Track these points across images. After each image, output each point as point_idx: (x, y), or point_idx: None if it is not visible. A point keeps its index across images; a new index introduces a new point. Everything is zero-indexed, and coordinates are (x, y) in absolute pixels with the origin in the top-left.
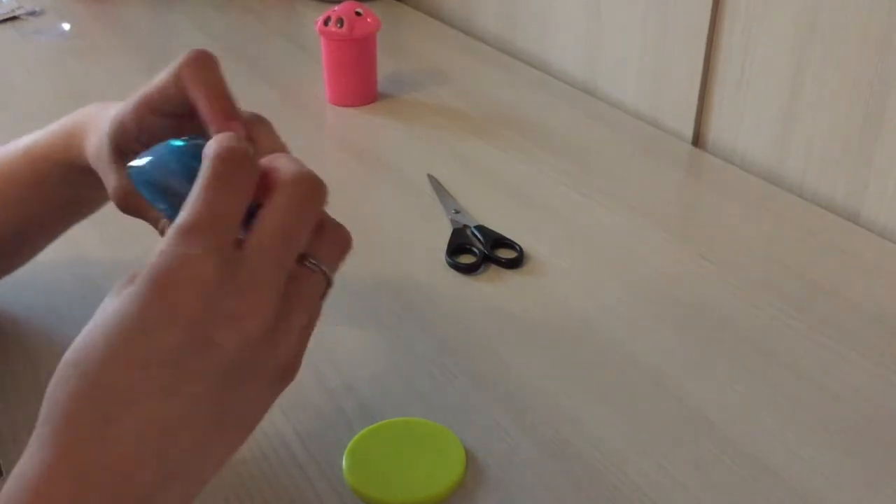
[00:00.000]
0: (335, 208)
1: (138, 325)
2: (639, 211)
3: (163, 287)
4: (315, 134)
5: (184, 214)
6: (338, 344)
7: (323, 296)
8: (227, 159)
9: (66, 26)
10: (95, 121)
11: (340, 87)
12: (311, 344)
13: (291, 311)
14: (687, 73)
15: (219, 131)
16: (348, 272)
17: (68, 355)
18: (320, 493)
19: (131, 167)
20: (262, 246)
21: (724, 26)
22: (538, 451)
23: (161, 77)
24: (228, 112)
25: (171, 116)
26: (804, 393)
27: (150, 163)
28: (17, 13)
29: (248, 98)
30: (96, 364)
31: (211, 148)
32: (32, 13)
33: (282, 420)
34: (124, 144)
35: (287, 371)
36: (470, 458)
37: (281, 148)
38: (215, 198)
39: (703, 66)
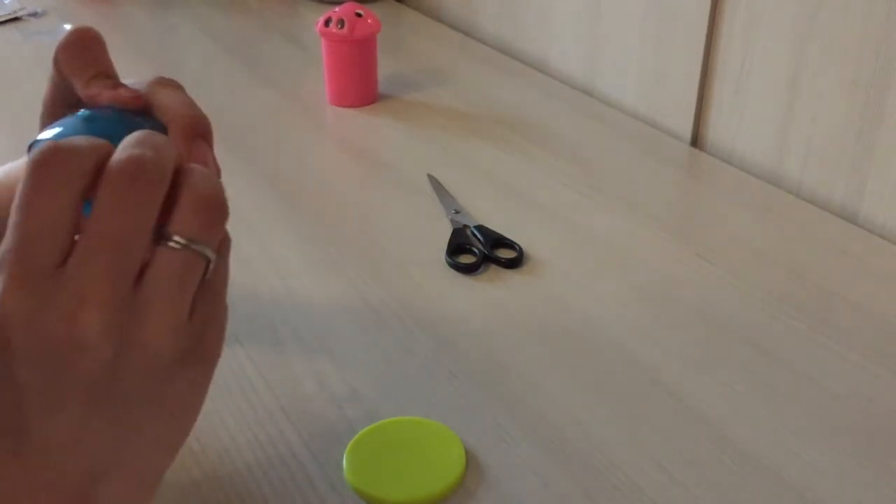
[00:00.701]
0: (337, 209)
1: None
2: (638, 211)
3: None
4: (315, 134)
5: None
6: (338, 344)
7: (204, 272)
8: (34, 164)
9: (68, 27)
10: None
11: (341, 88)
12: (312, 343)
13: (152, 304)
14: (686, 73)
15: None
16: (348, 272)
17: None
18: (321, 493)
19: (34, 142)
20: (81, 257)
21: (723, 27)
22: (538, 451)
23: (51, 70)
24: (106, 85)
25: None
26: (804, 393)
27: (56, 135)
28: (18, 14)
29: (248, 98)
30: None
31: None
32: (34, 14)
33: (282, 419)
34: None
35: (197, 349)
36: (470, 458)
37: (189, 110)
38: (19, 217)
39: (702, 67)
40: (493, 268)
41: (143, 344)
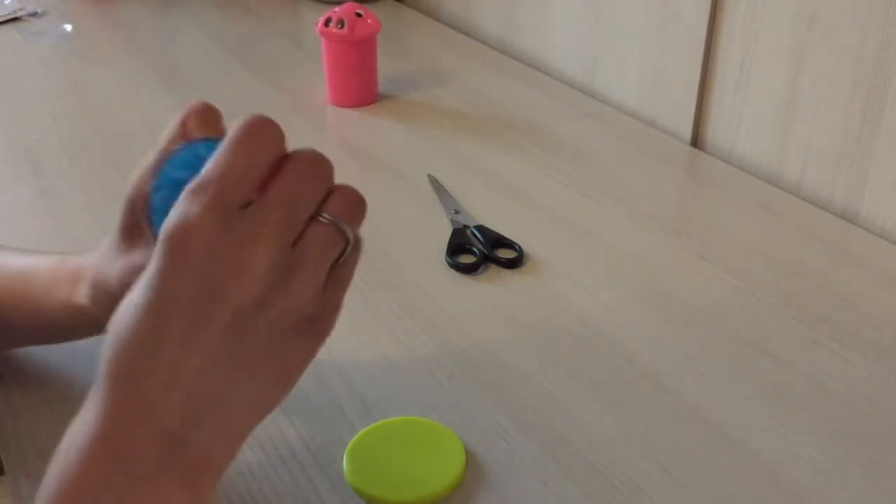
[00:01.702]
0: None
1: (155, 283)
2: (638, 211)
3: (171, 243)
4: (315, 134)
5: (198, 175)
6: (338, 344)
7: (343, 251)
8: (249, 124)
9: (68, 27)
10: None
11: (341, 88)
12: None
13: (301, 262)
14: (686, 73)
15: None
16: None
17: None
18: (321, 493)
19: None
20: (265, 204)
21: (722, 27)
22: (538, 451)
23: (166, 135)
24: None
25: None
26: (804, 393)
27: (165, 170)
28: (18, 14)
29: (248, 98)
30: (124, 325)
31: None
32: (34, 14)
33: (283, 419)
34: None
35: (315, 324)
36: (470, 458)
37: None
38: (226, 159)
39: (701, 67)
40: (493, 268)
41: (286, 294)
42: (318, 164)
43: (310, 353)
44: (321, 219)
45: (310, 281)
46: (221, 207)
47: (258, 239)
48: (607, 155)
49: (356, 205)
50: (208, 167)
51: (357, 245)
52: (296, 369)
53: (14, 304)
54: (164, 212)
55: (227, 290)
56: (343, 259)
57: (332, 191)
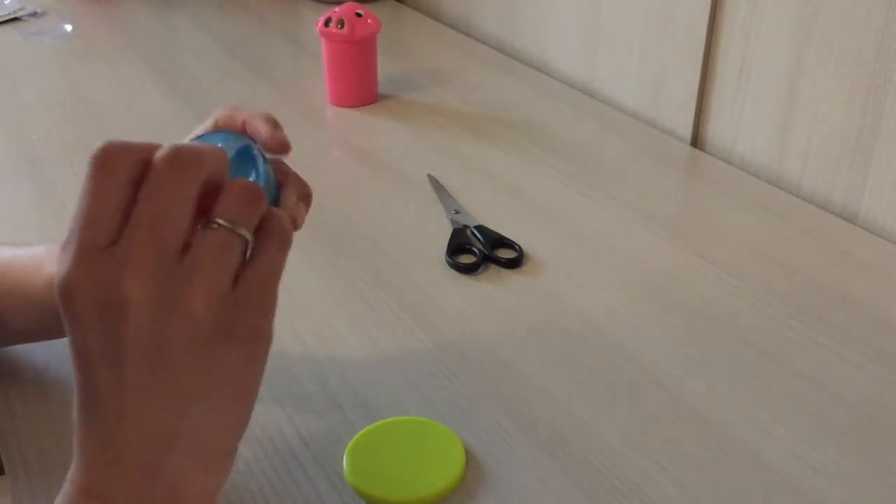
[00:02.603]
0: (337, 209)
1: (70, 340)
2: (638, 211)
3: (62, 303)
4: (315, 134)
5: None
6: (338, 343)
7: (244, 252)
8: (92, 159)
9: (68, 27)
10: None
11: (341, 88)
12: (312, 343)
13: (193, 274)
14: (686, 73)
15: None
16: (348, 271)
17: None
18: (321, 492)
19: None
20: (128, 231)
21: (722, 27)
22: (538, 451)
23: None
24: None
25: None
26: (804, 393)
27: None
28: (18, 14)
29: (248, 98)
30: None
31: None
32: (34, 14)
33: (283, 419)
34: None
35: (239, 328)
36: (470, 458)
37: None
38: (80, 202)
39: (701, 67)
40: (493, 268)
41: (184, 311)
42: (177, 166)
43: (252, 357)
44: (212, 225)
45: (205, 291)
46: (87, 253)
47: (124, 269)
48: (607, 155)
49: (250, 199)
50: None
51: (278, 238)
52: (247, 378)
53: (2, 291)
54: None
55: (122, 330)
56: (252, 256)
57: (223, 189)
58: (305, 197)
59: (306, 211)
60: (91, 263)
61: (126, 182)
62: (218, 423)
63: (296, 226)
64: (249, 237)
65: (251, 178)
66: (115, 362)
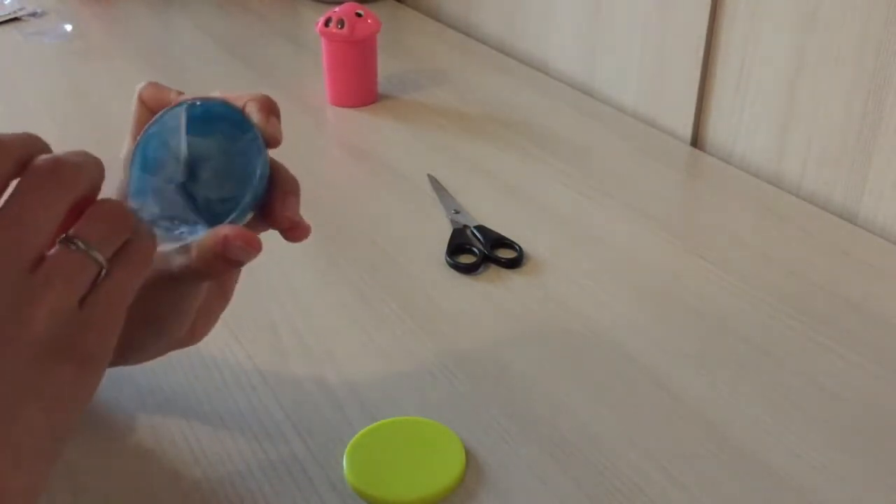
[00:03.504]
0: (337, 209)
1: None
2: (638, 211)
3: None
4: (315, 134)
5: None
6: (338, 343)
7: (98, 274)
8: None
9: (68, 27)
10: None
11: (341, 88)
12: (312, 343)
13: (39, 291)
14: (686, 73)
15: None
16: (348, 271)
17: None
18: (321, 492)
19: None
20: None
21: (722, 27)
22: (538, 451)
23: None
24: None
25: None
26: (804, 393)
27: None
28: (18, 14)
29: None
30: None
31: None
32: (34, 14)
33: (282, 418)
34: None
35: (75, 349)
36: (470, 458)
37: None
38: None
39: (701, 67)
40: (493, 268)
41: (24, 323)
42: (54, 179)
43: (82, 380)
44: (70, 245)
45: (50, 308)
46: None
47: None
48: (607, 155)
49: (113, 223)
50: None
51: (134, 265)
52: (73, 397)
53: None
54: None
55: None
56: (104, 278)
57: (90, 208)
58: (294, 191)
59: (297, 205)
60: None
61: None
62: (36, 436)
63: (301, 228)
64: (104, 263)
65: (257, 171)
66: None
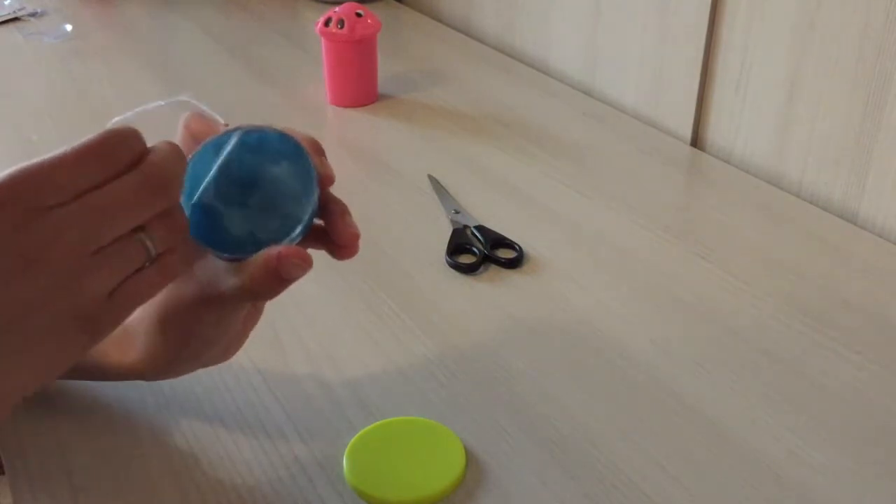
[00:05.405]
0: None
1: None
2: (638, 211)
3: None
4: (315, 134)
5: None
6: (338, 344)
7: (140, 268)
8: (110, 132)
9: (68, 27)
10: None
11: (341, 88)
12: (312, 343)
13: (99, 268)
14: (686, 73)
15: None
16: (348, 272)
17: None
18: (321, 492)
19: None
20: (75, 209)
21: (723, 27)
22: (538, 451)
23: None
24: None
25: None
26: (804, 393)
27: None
28: (18, 14)
29: (248, 99)
30: None
31: None
32: (34, 14)
33: (283, 418)
34: None
35: (92, 325)
36: (470, 458)
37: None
38: (68, 149)
39: (702, 67)
40: (493, 268)
41: (74, 294)
42: (151, 190)
43: (79, 351)
44: (136, 234)
45: (98, 289)
46: (31, 195)
47: (57, 234)
48: (607, 155)
49: (174, 229)
50: (24, 168)
51: (165, 271)
52: (61, 362)
53: None
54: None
55: (11, 281)
56: (141, 272)
57: (167, 211)
58: (348, 210)
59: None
60: (29, 210)
61: (112, 170)
62: (17, 377)
63: (357, 244)
64: (153, 256)
65: (312, 196)
66: None
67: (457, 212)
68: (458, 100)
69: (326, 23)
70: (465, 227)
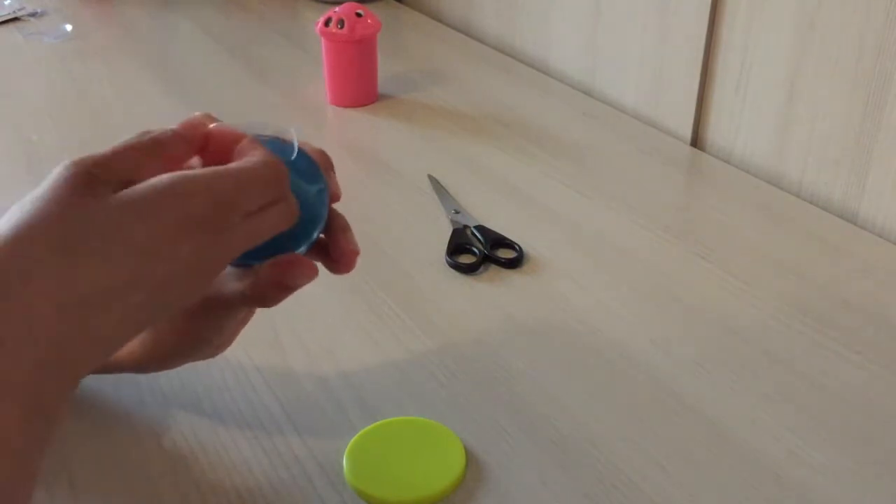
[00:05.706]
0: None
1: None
2: (638, 211)
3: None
4: (315, 134)
5: None
6: (338, 344)
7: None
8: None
9: (68, 27)
10: None
11: (341, 88)
12: (311, 343)
13: (239, 196)
14: (686, 73)
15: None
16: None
17: None
18: (320, 492)
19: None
20: (239, 167)
21: (723, 27)
22: (538, 451)
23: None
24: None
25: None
26: (804, 393)
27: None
28: (18, 14)
29: (248, 99)
30: None
31: None
32: (34, 14)
33: (283, 418)
34: None
35: (214, 229)
36: (470, 458)
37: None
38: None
39: (702, 67)
40: (493, 268)
41: (225, 245)
42: (267, 185)
43: (214, 249)
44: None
45: (238, 244)
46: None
47: (241, 188)
48: (607, 155)
49: (289, 221)
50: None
51: (286, 215)
52: (203, 264)
53: None
54: None
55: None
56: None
57: (275, 199)
58: (349, 227)
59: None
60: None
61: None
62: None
63: (356, 259)
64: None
65: (323, 211)
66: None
67: (457, 212)
68: (458, 100)
69: (326, 23)
70: (465, 227)
